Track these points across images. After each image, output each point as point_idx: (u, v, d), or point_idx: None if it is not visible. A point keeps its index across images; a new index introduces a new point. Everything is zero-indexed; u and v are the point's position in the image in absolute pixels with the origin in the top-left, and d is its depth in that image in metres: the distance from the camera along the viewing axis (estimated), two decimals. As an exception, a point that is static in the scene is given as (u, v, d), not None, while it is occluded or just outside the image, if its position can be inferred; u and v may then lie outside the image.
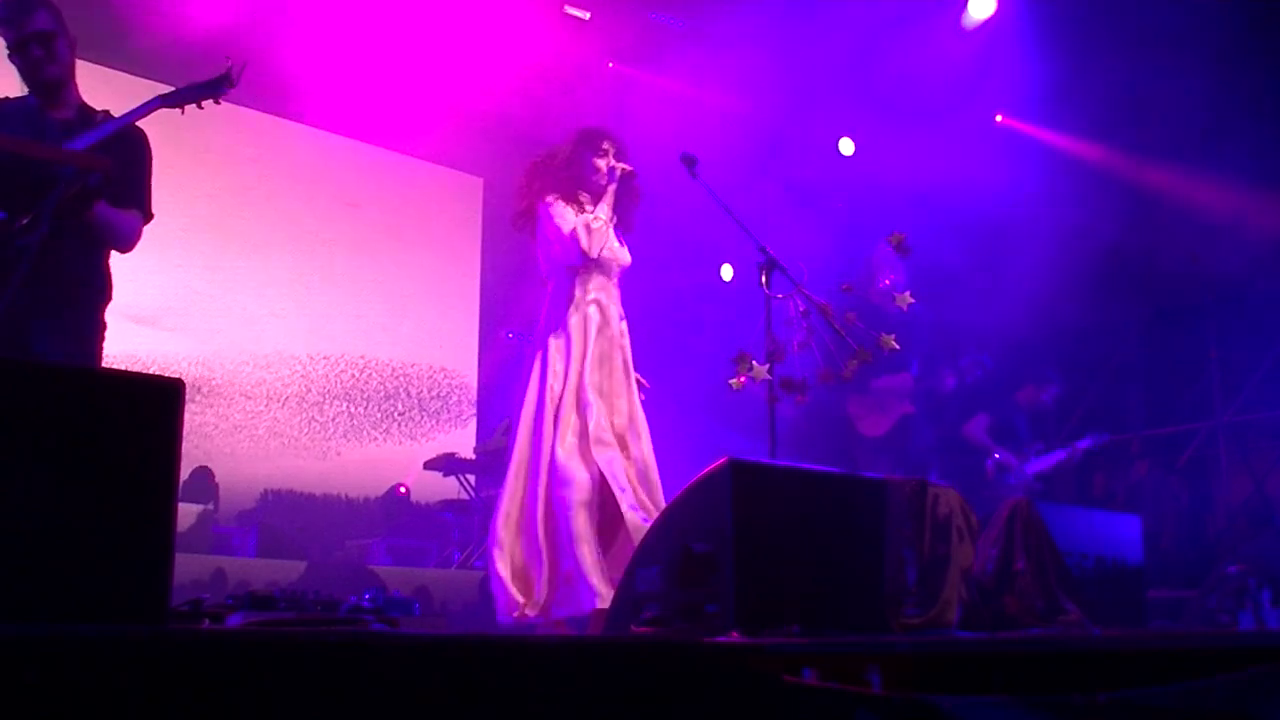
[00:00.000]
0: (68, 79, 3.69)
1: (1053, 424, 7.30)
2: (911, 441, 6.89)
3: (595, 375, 4.20)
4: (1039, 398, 7.16)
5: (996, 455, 6.95)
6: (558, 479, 4.03)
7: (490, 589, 4.18)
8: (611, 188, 4.34)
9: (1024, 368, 7.38)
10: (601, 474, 4.03)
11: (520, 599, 4.01)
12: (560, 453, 4.06)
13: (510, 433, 4.38)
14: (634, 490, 4.04)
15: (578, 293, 4.31)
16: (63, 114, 3.65)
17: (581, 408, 4.13)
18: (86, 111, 3.73)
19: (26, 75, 3.61)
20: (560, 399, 4.16)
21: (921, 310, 4.14)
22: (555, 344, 4.25)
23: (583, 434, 4.09)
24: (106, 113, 3.74)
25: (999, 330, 7.65)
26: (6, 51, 3.64)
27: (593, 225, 4.25)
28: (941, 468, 6.79)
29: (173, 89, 3.60)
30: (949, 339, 7.28)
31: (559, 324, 4.28)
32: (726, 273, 8.73)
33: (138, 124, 3.69)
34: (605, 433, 4.11)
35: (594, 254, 4.26)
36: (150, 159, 3.81)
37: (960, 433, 7.10)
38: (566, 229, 4.26)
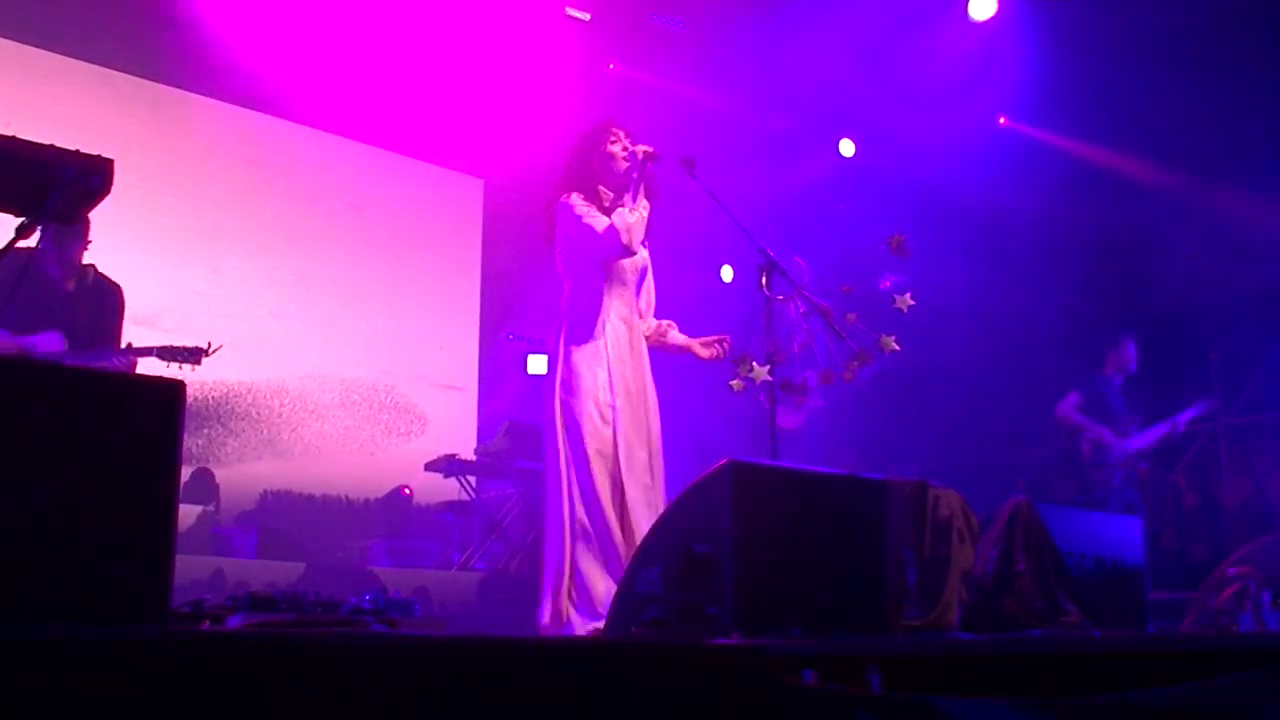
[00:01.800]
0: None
1: (1148, 391, 6.89)
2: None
3: (621, 400, 4.01)
4: (1124, 360, 6.74)
5: (1092, 435, 6.59)
6: (585, 500, 3.92)
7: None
8: (636, 175, 4.09)
9: (1025, 368, 7.37)
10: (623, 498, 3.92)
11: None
12: (585, 474, 3.93)
13: (544, 449, 4.14)
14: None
15: (602, 305, 4.09)
16: (68, 286, 4.55)
17: (606, 431, 3.97)
18: (83, 275, 4.60)
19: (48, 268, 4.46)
20: (582, 419, 3.98)
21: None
22: (578, 360, 4.04)
23: (606, 456, 3.95)
24: (93, 267, 4.64)
25: (999, 331, 7.66)
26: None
27: (629, 219, 4.00)
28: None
29: (167, 345, 4.48)
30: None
31: (582, 338, 4.06)
32: (726, 274, 8.73)
33: (111, 280, 4.68)
34: (636, 463, 3.98)
35: (635, 249, 4.05)
36: (123, 309, 4.72)
37: (1057, 414, 6.83)
38: (599, 225, 4.02)
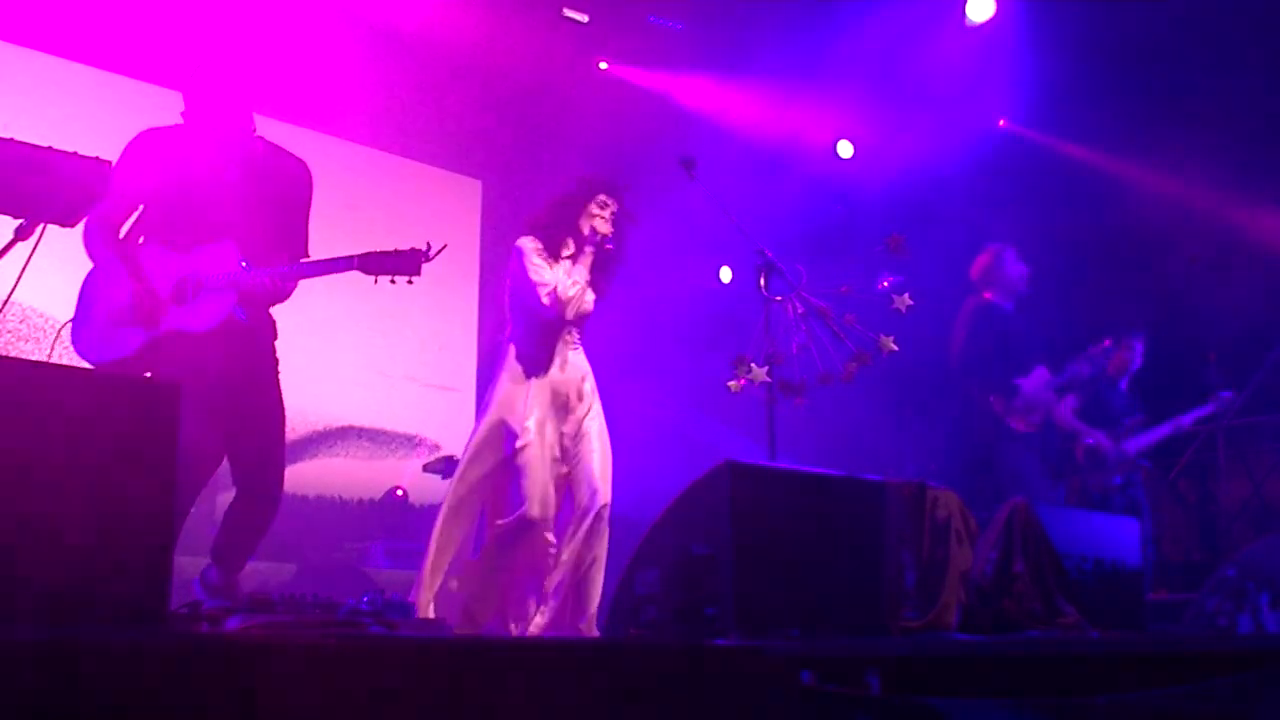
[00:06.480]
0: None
1: (1151, 389, 6.81)
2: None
3: (550, 440, 4.13)
4: (1128, 361, 6.67)
5: (1088, 440, 6.54)
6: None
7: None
8: (589, 250, 4.18)
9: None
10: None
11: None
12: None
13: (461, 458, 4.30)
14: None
15: (537, 346, 4.20)
16: (229, 176, 3.67)
17: (518, 461, 4.08)
18: (249, 156, 3.72)
19: (212, 149, 3.64)
20: (508, 454, 4.11)
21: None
22: (512, 398, 4.16)
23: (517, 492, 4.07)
24: (262, 141, 3.74)
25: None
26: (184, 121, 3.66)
27: (570, 292, 4.12)
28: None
29: (368, 251, 3.55)
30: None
31: (515, 373, 4.20)
32: (725, 275, 8.73)
33: (292, 156, 3.80)
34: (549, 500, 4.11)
35: (569, 317, 4.16)
36: (309, 196, 3.82)
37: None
38: (542, 287, 4.13)
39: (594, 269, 4.22)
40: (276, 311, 3.90)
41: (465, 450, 4.23)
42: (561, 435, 4.16)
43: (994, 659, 2.49)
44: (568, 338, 4.24)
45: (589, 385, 4.27)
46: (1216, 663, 2.69)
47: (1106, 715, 2.24)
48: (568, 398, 4.18)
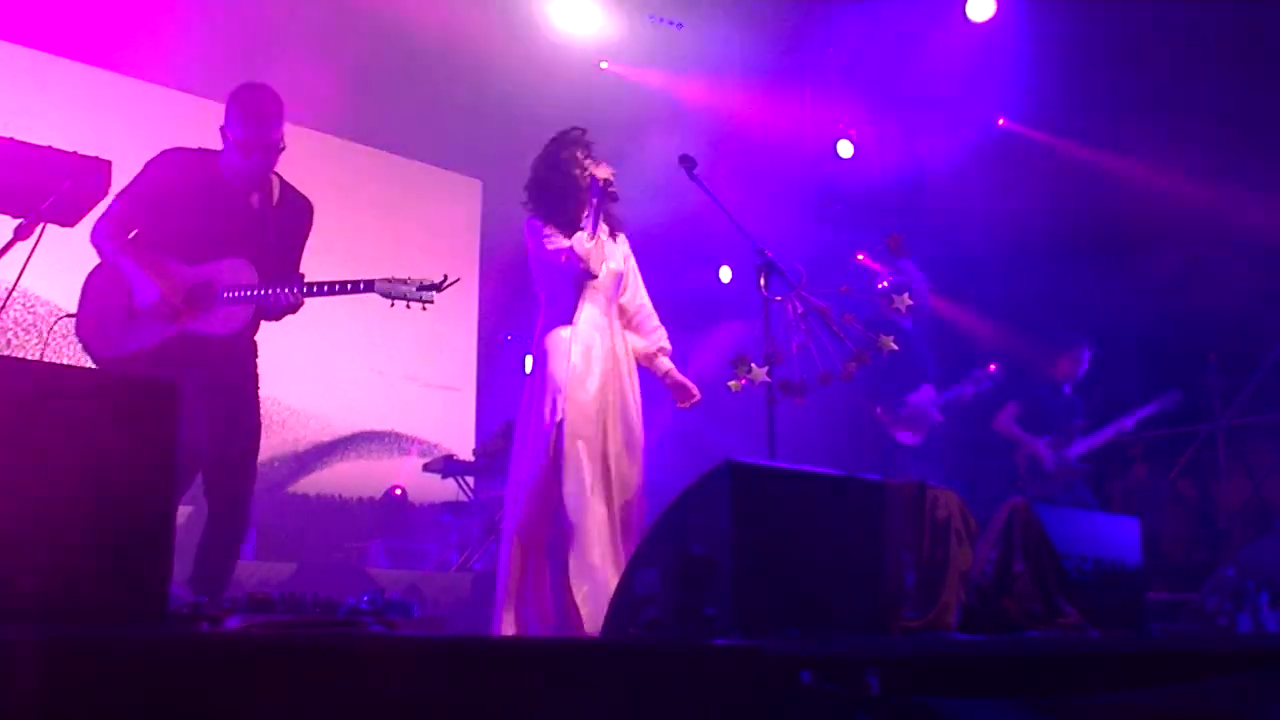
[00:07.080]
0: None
1: (1100, 393, 6.90)
2: (943, 450, 6.72)
3: (593, 411, 4.01)
4: (1074, 369, 6.78)
5: (1027, 449, 6.64)
6: (564, 513, 3.94)
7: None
8: (595, 200, 4.09)
9: (1023, 368, 7.37)
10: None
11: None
12: (568, 488, 3.93)
13: (513, 455, 4.19)
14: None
15: (573, 316, 4.11)
16: (251, 201, 3.96)
17: (574, 447, 3.95)
18: (269, 188, 4.02)
19: (243, 170, 3.91)
20: (559, 432, 3.97)
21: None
22: (553, 373, 4.05)
23: (579, 471, 3.96)
24: (280, 178, 4.06)
25: (997, 334, 7.66)
26: (226, 136, 3.97)
27: (587, 245, 4.04)
28: (974, 470, 6.65)
29: (388, 277, 3.83)
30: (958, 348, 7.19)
31: (554, 346, 4.11)
32: (725, 275, 8.73)
33: (303, 195, 4.12)
34: (598, 481, 3.98)
35: (597, 271, 4.08)
36: (309, 232, 4.11)
37: (991, 430, 6.83)
38: (560, 251, 4.06)
39: (602, 210, 4.13)
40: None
41: (516, 451, 4.12)
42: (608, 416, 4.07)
43: (994, 659, 2.48)
44: (605, 316, 4.17)
45: (629, 370, 4.19)
46: (1216, 663, 2.69)
47: (1106, 715, 2.24)
48: (606, 371, 4.09)
